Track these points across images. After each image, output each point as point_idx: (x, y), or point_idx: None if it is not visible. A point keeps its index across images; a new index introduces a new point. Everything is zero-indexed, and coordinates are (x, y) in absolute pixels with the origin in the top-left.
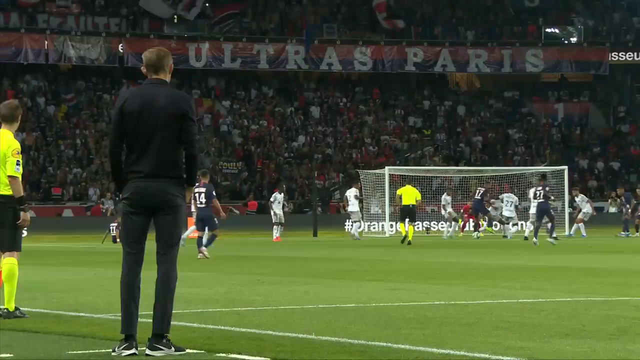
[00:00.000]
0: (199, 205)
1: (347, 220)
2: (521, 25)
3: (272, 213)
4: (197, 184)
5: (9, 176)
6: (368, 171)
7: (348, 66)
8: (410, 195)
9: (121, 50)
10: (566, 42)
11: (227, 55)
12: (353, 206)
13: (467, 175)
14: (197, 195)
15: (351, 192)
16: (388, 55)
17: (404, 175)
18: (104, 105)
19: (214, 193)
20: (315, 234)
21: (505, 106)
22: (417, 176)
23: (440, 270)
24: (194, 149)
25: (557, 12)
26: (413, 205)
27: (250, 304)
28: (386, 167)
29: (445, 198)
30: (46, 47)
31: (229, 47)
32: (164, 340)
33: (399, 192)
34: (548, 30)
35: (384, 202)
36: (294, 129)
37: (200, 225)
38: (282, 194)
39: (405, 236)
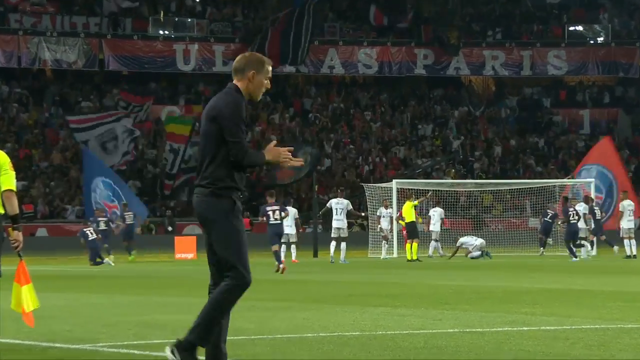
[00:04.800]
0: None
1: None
2: (542, 23)
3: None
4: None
5: (8, 190)
6: (374, 185)
7: (352, 69)
8: (406, 210)
9: (102, 53)
10: (592, 41)
11: (218, 57)
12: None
13: (484, 189)
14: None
15: (380, 211)
16: (396, 57)
17: (414, 190)
18: (82, 113)
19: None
20: (315, 255)
21: (525, 112)
22: (426, 190)
23: (454, 294)
24: (236, 153)
25: (582, 9)
26: (412, 221)
27: (243, 332)
28: (394, 180)
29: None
30: (19, 50)
31: (221, 48)
32: (184, 349)
33: (402, 210)
34: (572, 28)
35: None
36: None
37: None
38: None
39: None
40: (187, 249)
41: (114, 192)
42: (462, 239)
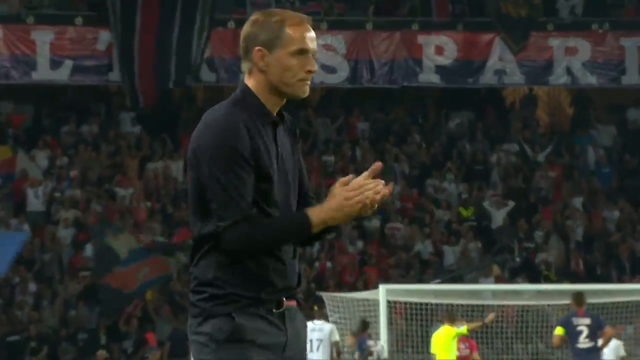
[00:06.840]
0: None
1: None
2: None
3: None
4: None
5: None
6: (342, 295)
7: None
8: (443, 343)
9: None
10: None
11: (42, 54)
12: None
13: (555, 303)
14: None
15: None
16: (383, 52)
17: (419, 305)
18: None
19: None
20: None
21: (630, 155)
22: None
23: None
24: (227, 241)
25: None
26: None
27: None
28: (380, 285)
29: None
30: None
31: (48, 36)
32: None
33: (432, 341)
34: None
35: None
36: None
37: None
38: None
39: None
40: None
41: None
42: None
